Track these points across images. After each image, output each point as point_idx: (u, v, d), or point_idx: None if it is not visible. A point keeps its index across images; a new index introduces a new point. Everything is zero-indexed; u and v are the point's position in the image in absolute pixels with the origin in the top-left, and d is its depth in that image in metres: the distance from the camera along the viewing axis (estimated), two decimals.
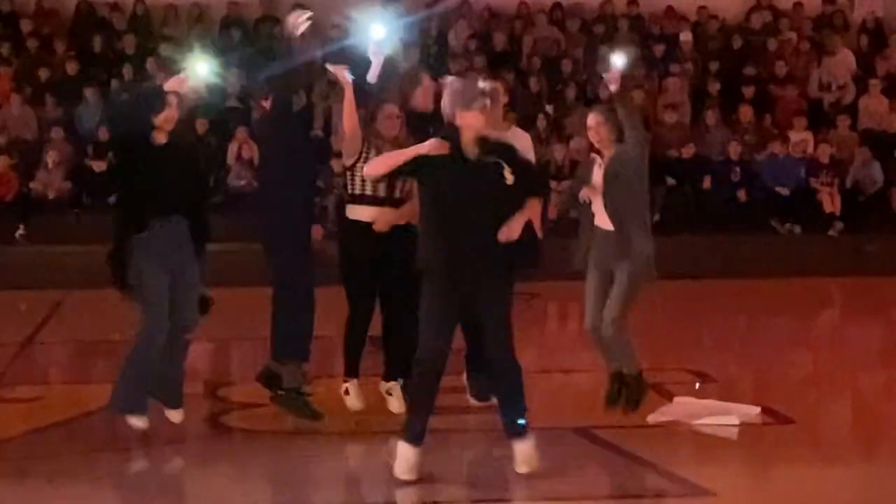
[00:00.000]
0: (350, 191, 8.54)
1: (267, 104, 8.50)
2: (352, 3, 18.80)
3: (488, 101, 7.20)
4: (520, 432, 7.28)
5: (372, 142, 8.43)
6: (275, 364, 8.49)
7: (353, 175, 8.50)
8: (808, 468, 7.77)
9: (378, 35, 8.73)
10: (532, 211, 7.38)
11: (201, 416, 8.97)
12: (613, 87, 8.04)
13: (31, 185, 17.42)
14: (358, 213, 8.48)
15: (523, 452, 7.27)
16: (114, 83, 18.63)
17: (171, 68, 17.41)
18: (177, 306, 7.97)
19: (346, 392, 8.57)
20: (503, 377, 7.31)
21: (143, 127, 7.94)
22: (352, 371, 8.61)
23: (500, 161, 7.16)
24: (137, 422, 7.97)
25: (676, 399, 8.85)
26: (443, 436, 7.93)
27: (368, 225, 8.40)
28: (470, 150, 7.18)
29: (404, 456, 7.20)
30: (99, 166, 17.24)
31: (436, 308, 7.19)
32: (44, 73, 18.88)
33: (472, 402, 8.78)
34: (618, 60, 8.07)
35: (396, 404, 8.49)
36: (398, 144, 8.25)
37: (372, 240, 8.38)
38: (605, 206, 8.07)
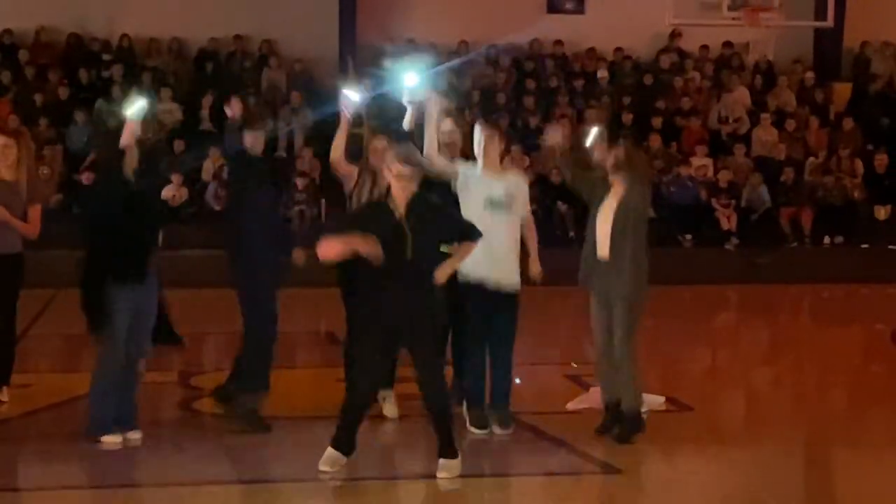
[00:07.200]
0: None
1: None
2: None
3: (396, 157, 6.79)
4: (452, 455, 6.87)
5: (365, 173, 8.04)
6: (236, 391, 8.16)
7: (350, 201, 8.08)
8: (705, 450, 7.84)
9: (411, 83, 8.04)
10: (464, 254, 6.98)
11: (175, 402, 8.92)
12: (611, 162, 7.81)
13: None
14: None
15: (449, 465, 6.87)
16: (99, 102, 18.51)
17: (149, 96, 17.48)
18: (133, 335, 7.52)
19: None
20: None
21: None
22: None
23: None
24: (113, 441, 7.52)
25: (592, 389, 8.87)
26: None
27: None
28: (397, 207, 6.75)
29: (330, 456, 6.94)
30: (88, 178, 17.10)
31: (374, 355, 6.90)
32: (39, 98, 18.71)
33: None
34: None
35: (391, 409, 8.20)
36: None
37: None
38: (612, 236, 7.81)
